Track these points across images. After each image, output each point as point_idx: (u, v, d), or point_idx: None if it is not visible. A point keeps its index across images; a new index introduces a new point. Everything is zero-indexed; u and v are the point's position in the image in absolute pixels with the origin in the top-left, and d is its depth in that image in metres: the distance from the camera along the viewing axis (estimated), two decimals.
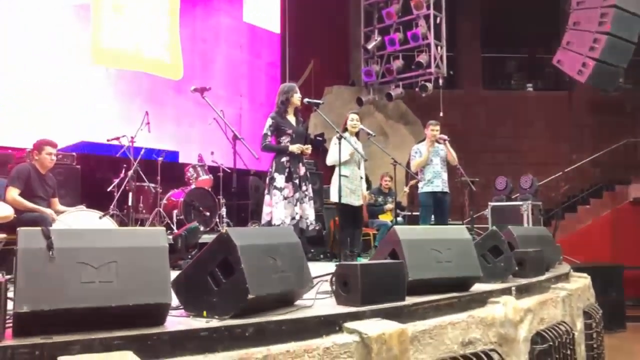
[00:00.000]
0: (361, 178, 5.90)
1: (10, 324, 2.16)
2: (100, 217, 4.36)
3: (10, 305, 2.12)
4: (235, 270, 2.58)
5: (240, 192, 7.38)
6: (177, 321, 2.47)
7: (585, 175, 11.47)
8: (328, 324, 2.64)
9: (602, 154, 11.44)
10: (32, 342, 2.00)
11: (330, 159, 5.60)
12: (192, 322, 2.46)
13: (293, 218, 4.81)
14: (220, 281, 2.62)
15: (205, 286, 2.63)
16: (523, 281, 4.20)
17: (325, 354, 2.47)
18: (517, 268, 4.26)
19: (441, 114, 9.54)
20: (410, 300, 3.09)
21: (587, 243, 10.59)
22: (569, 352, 4.16)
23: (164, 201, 6.35)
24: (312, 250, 6.61)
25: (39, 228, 2.26)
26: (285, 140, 4.86)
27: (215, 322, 2.44)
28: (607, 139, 11.57)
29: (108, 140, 5.91)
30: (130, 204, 5.38)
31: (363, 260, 4.88)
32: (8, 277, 2.48)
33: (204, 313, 2.60)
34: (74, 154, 5.87)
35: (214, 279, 2.63)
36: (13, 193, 4.26)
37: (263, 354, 2.31)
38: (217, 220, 6.48)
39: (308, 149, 4.86)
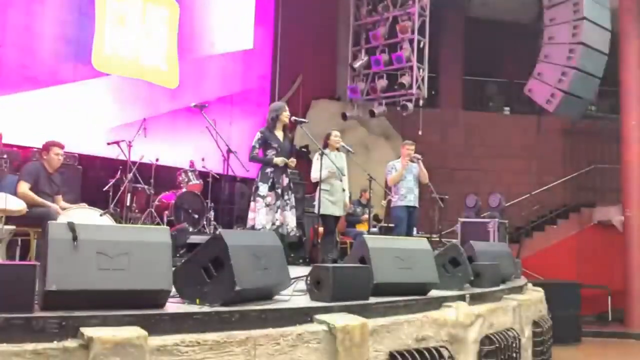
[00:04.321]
0: (343, 190, 6.43)
1: (36, 301, 2.61)
2: (100, 215, 4.79)
3: None
4: (226, 265, 3.04)
5: (227, 198, 7.85)
6: (175, 306, 2.92)
7: (554, 196, 12.09)
8: (302, 315, 3.10)
9: (570, 177, 12.10)
10: (59, 314, 2.45)
11: (313, 176, 6.18)
12: (187, 307, 2.93)
13: (273, 224, 5.28)
14: (212, 274, 3.07)
15: (199, 278, 3.09)
16: (478, 290, 4.71)
17: (298, 339, 2.93)
18: (472, 278, 4.78)
19: (420, 132, 10.11)
20: (373, 299, 3.59)
21: (553, 261, 11.20)
22: (514, 355, 4.67)
23: (156, 202, 6.78)
24: (292, 255, 7.08)
25: (66, 222, 2.72)
26: (271, 153, 5.35)
27: (206, 308, 2.91)
28: (576, 163, 12.22)
29: (108, 144, 6.36)
30: (128, 204, 5.83)
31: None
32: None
33: (197, 300, 3.06)
34: (77, 154, 6.30)
35: (207, 272, 3.09)
36: (24, 187, 4.70)
37: (246, 335, 2.78)
38: (205, 222, 6.94)
39: (292, 162, 5.36)
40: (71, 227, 2.68)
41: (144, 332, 2.45)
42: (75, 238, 2.66)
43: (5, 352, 2.18)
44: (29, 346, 2.24)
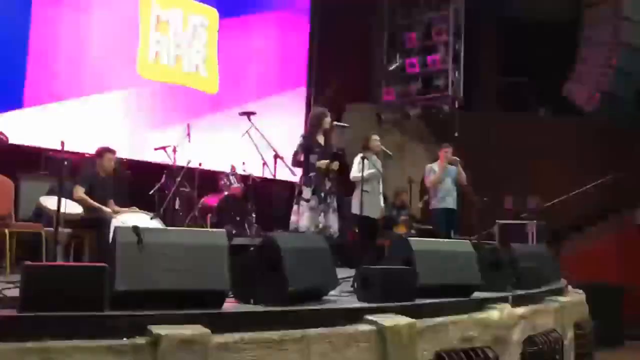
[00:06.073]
0: (379, 193, 6.54)
1: None
2: (151, 218, 4.99)
3: None
4: (279, 267, 3.18)
5: (266, 201, 8.01)
6: (232, 305, 3.07)
7: (593, 198, 11.87)
8: (352, 315, 3.21)
9: (610, 178, 11.86)
10: (130, 313, 2.61)
11: (353, 176, 6.28)
12: (243, 307, 3.07)
13: (317, 227, 5.44)
14: (265, 275, 3.23)
15: (253, 279, 3.24)
16: (520, 292, 4.75)
17: (350, 338, 3.04)
18: (515, 280, 4.82)
19: (456, 134, 10.10)
20: (419, 301, 3.68)
21: (592, 263, 10.99)
22: (557, 356, 4.69)
23: (199, 206, 6.98)
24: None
25: (132, 226, 2.88)
26: (313, 158, 5.50)
27: (262, 307, 3.05)
28: (615, 164, 11.98)
29: (155, 149, 6.60)
30: (176, 207, 6.06)
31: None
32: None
33: (251, 300, 3.21)
34: (125, 159, 6.56)
35: (261, 273, 3.25)
36: (80, 192, 4.95)
37: (301, 334, 2.89)
38: (247, 225, 7.11)
39: (335, 165, 5.50)
40: (136, 230, 2.84)
41: (207, 330, 2.59)
42: (140, 241, 2.82)
43: (84, 347, 2.35)
44: (104, 342, 2.40)
